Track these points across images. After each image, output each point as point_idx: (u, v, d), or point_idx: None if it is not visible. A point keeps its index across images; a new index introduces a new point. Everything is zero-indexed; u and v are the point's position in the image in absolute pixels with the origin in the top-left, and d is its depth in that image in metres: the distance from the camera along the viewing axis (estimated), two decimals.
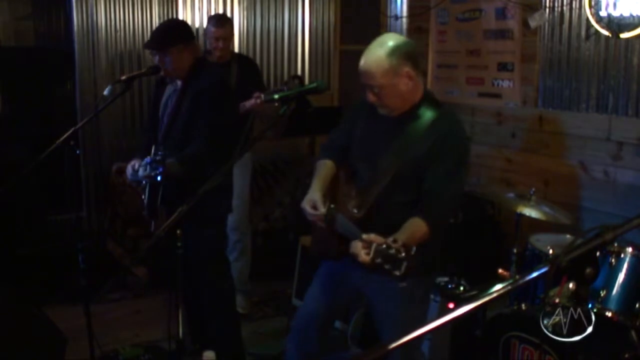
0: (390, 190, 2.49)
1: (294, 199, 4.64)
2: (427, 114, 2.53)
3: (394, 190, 2.50)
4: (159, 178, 3.07)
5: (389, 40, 2.50)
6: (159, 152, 3.10)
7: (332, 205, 2.55)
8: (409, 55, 2.49)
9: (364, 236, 2.26)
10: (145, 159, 3.12)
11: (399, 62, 2.45)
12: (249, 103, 4.08)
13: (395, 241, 2.15)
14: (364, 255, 2.23)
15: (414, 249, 2.13)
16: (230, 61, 4.41)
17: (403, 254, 2.10)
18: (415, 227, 2.38)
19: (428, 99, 2.59)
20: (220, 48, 4.33)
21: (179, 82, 3.32)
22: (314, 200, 2.56)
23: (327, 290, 2.79)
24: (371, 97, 2.51)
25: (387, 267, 2.13)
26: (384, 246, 2.15)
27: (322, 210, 2.52)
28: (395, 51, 2.45)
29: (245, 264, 4.47)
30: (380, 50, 2.46)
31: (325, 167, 2.75)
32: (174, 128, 3.29)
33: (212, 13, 5.19)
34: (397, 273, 2.11)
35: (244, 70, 4.43)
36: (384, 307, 2.69)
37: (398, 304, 2.61)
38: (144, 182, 3.27)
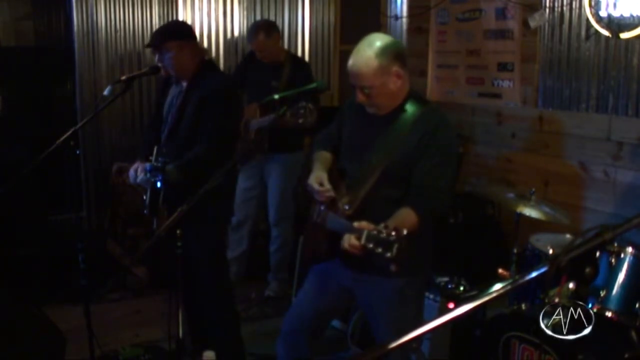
0: (380, 186, 2.51)
1: (295, 199, 4.65)
2: (414, 111, 2.56)
3: (383, 186, 2.52)
4: (158, 184, 3.10)
5: (377, 41, 2.51)
6: (160, 159, 3.11)
7: (323, 207, 2.56)
8: (397, 55, 2.52)
9: (356, 224, 2.30)
10: (146, 165, 3.14)
11: (388, 61, 2.48)
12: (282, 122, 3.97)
13: (386, 226, 2.19)
14: (354, 241, 2.27)
15: (405, 231, 2.16)
16: (283, 62, 4.50)
17: (394, 237, 2.14)
18: (405, 215, 2.40)
19: (414, 96, 2.62)
20: (261, 56, 4.48)
21: (184, 84, 3.32)
22: (320, 177, 2.58)
23: (317, 293, 2.80)
24: (361, 97, 2.53)
25: (378, 250, 2.16)
26: (375, 232, 2.19)
27: (328, 186, 2.54)
28: (384, 51, 2.48)
29: (283, 255, 4.68)
30: (369, 50, 2.48)
31: (323, 155, 2.77)
32: (178, 129, 3.28)
33: (212, 13, 5.21)
34: (389, 255, 2.13)
35: (296, 72, 4.48)
36: (375, 308, 2.70)
37: (390, 304, 2.62)
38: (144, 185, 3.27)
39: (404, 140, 2.51)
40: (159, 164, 3.08)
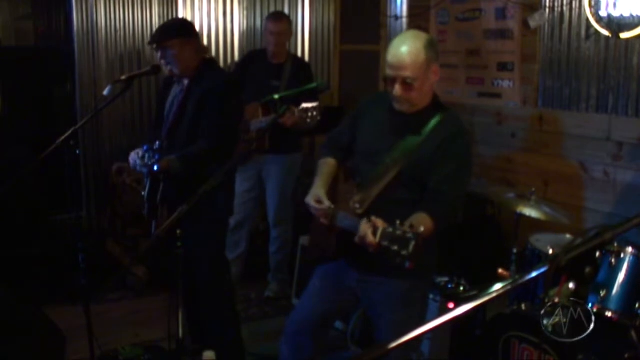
0: (393, 187, 2.51)
1: (294, 199, 4.66)
2: (435, 116, 2.56)
3: (396, 188, 2.52)
4: (156, 167, 3.09)
5: (422, 35, 2.55)
6: (157, 142, 3.13)
7: (332, 206, 2.56)
8: (437, 54, 2.55)
9: (372, 218, 2.30)
10: (143, 146, 3.17)
11: (432, 56, 2.50)
12: (289, 120, 3.57)
13: (401, 224, 2.18)
14: (370, 236, 2.25)
15: (422, 228, 2.15)
16: (284, 62, 4.52)
17: (411, 234, 2.13)
18: (421, 219, 2.37)
19: (436, 102, 2.63)
20: (274, 43, 4.46)
21: (185, 82, 3.32)
22: (318, 195, 2.58)
23: (322, 294, 2.79)
24: (398, 90, 2.50)
25: (394, 248, 2.15)
26: (391, 229, 2.19)
27: (327, 203, 2.53)
28: (430, 46, 2.50)
29: (283, 256, 4.70)
30: (418, 42, 2.48)
31: (327, 165, 2.76)
32: (179, 128, 3.29)
33: (213, 13, 5.21)
34: (405, 252, 2.12)
35: (297, 72, 4.49)
36: (380, 310, 2.69)
37: (394, 306, 2.62)
38: (144, 171, 3.24)
39: (422, 144, 2.51)
40: (156, 147, 3.13)
